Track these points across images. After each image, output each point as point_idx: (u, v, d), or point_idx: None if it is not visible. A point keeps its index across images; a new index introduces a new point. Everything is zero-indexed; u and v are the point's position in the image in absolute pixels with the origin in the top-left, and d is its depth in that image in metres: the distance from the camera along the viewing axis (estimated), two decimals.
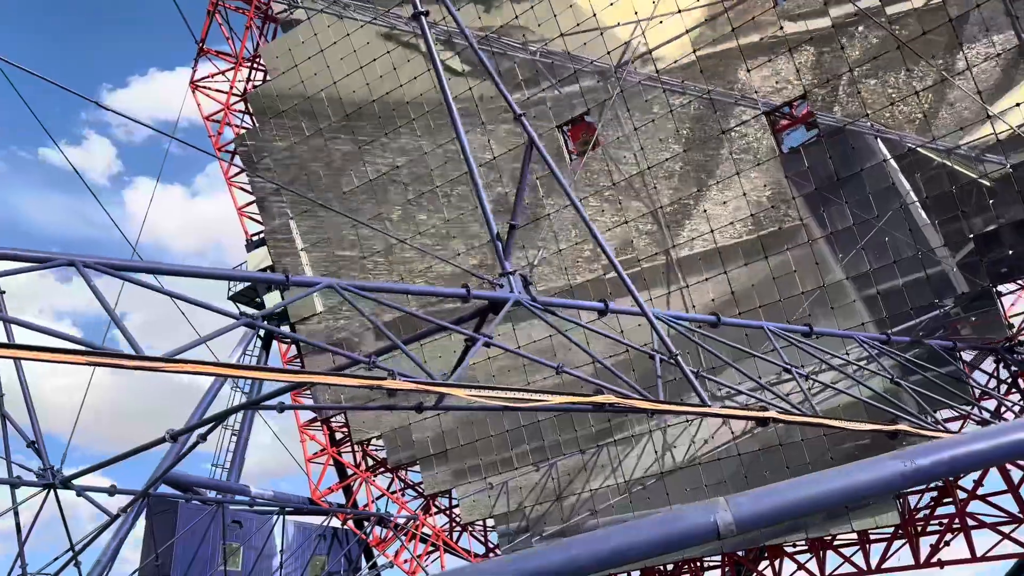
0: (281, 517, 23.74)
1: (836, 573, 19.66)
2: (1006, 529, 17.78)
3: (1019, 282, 18.13)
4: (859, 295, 19.38)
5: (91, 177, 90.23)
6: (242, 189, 27.02)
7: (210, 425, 12.65)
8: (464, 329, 9.55)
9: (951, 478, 17.87)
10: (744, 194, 20.29)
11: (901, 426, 10.54)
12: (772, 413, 9.49)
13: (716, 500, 8.47)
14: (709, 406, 9.30)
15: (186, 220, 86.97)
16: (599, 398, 8.54)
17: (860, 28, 18.91)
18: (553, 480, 23.39)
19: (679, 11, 20.62)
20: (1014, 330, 17.47)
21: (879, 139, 18.78)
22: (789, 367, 11.49)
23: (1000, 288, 18.05)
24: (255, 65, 26.76)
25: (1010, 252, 17.15)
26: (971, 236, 17.77)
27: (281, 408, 11.71)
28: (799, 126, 21.27)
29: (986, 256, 17.70)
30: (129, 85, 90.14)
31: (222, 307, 8.14)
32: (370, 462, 26.17)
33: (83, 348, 6.40)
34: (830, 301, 19.52)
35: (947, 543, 18.50)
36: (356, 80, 24.80)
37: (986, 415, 16.92)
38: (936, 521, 18.71)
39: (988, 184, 17.64)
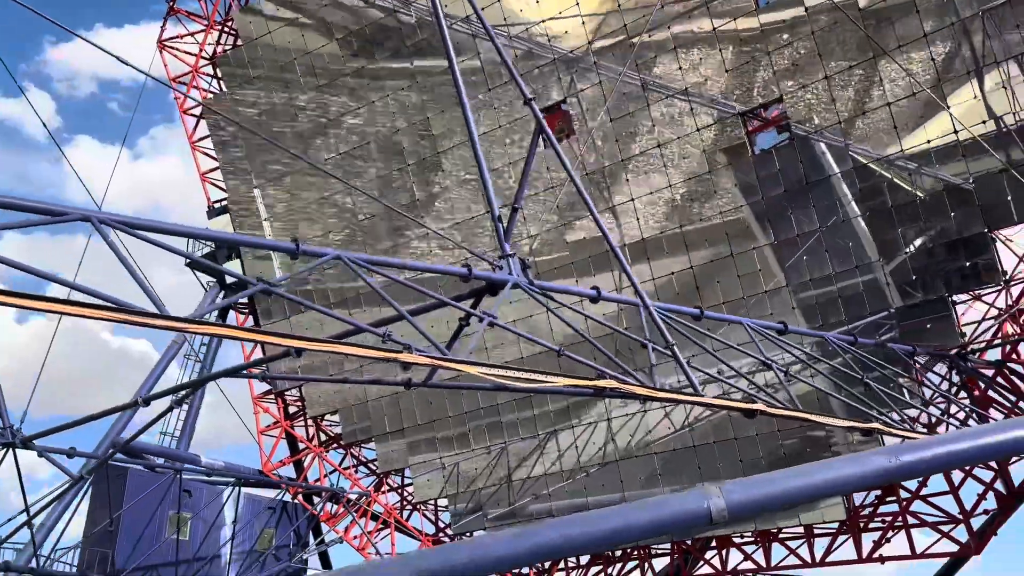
0: (231, 489, 23.50)
1: (781, 565, 20.31)
2: (945, 528, 18.60)
3: (972, 293, 18.86)
4: (796, 297, 19.99)
5: (30, 132, 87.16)
6: (206, 154, 26.52)
7: (184, 392, 12.47)
8: (465, 308, 9.63)
9: None
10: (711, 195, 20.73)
11: (875, 424, 10.96)
12: (760, 406, 9.79)
13: (709, 487, 8.75)
14: (702, 395, 9.56)
15: (129, 182, 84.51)
16: (600, 382, 8.73)
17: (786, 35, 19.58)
18: (506, 462, 23.64)
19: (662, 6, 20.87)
20: (966, 339, 18.23)
21: (824, 146, 19.42)
22: (770, 362, 11.85)
23: (954, 298, 18.75)
24: (226, 29, 26.23)
25: (967, 263, 17.85)
26: (907, 251, 18.55)
27: (264, 377, 11.60)
28: (771, 128, 21.74)
29: (936, 267, 18.45)
30: (73, 40, 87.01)
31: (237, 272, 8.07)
32: (323, 437, 26.03)
33: (110, 304, 6.32)
34: (780, 301, 20.10)
35: (888, 540, 19.25)
36: (331, 51, 24.51)
37: (936, 412, 17.63)
38: (879, 518, 19.45)
39: (922, 197, 18.43)
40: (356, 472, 25.72)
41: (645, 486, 21.72)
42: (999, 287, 18.41)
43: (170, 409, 13.20)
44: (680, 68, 20.76)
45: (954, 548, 18.57)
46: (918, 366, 17.82)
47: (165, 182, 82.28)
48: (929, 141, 18.21)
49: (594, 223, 14.02)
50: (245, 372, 11.62)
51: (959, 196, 18.18)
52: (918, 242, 18.71)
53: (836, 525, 19.84)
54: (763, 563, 20.39)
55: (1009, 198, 17.51)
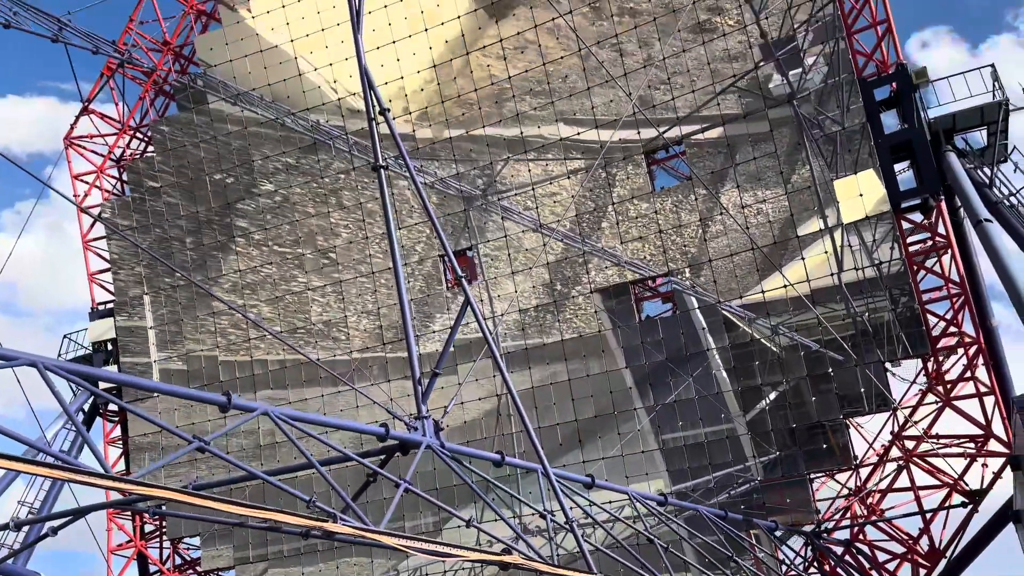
0: None
1: None
2: None
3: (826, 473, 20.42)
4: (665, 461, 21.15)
5: None
6: (97, 255, 25.99)
7: (66, 519, 12.02)
8: (376, 467, 9.99)
9: None
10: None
11: None
12: None
13: None
14: (595, 572, 10.13)
15: None
16: (507, 558, 9.19)
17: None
18: None
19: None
20: (820, 515, 19.63)
21: (695, 299, 21.06)
22: (653, 537, 12.58)
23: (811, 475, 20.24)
24: (139, 135, 26.31)
25: (824, 447, 19.47)
26: (764, 402, 20.16)
27: (155, 512, 11.47)
28: (656, 299, 23.42)
29: (795, 445, 20.03)
30: None
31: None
32: (179, 561, 24.79)
33: (61, 464, 6.43)
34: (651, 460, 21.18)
35: None
36: (242, 173, 24.90)
37: None
38: None
39: (780, 354, 20.18)
40: None
41: None
42: (850, 469, 20.03)
43: (44, 536, 12.60)
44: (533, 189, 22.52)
45: None
46: (776, 540, 19.00)
47: (21, 258, 77.65)
48: (764, 292, 20.14)
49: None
50: (142, 506, 11.36)
51: (818, 382, 20.00)
52: (772, 395, 20.30)
53: None
54: None
55: (862, 390, 19.43)
